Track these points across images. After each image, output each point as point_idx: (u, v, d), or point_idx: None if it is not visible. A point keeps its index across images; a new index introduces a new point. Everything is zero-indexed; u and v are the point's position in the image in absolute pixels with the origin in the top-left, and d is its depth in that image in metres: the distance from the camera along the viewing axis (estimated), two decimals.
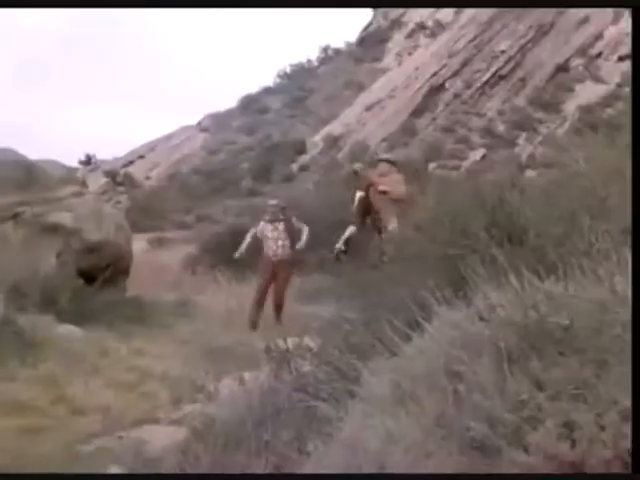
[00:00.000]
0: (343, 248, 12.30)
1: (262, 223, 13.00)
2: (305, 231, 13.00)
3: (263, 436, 4.25)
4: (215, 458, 4.38)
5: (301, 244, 12.89)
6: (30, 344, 8.55)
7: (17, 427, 6.14)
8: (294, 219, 13.19)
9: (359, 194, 12.02)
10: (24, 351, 8.29)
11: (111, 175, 42.61)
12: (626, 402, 2.27)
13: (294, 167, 41.31)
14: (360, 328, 4.81)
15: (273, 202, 13.62)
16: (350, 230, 12.33)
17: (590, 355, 2.48)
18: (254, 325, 12.18)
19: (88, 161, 48.25)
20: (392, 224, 11.22)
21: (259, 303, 12.65)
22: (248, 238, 12.96)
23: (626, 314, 2.56)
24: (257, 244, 13.06)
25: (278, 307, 12.85)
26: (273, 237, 12.83)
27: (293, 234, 12.94)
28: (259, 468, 3.89)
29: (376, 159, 13.81)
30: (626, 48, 33.31)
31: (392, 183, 11.87)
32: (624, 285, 2.74)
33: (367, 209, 12.01)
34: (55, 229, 11.53)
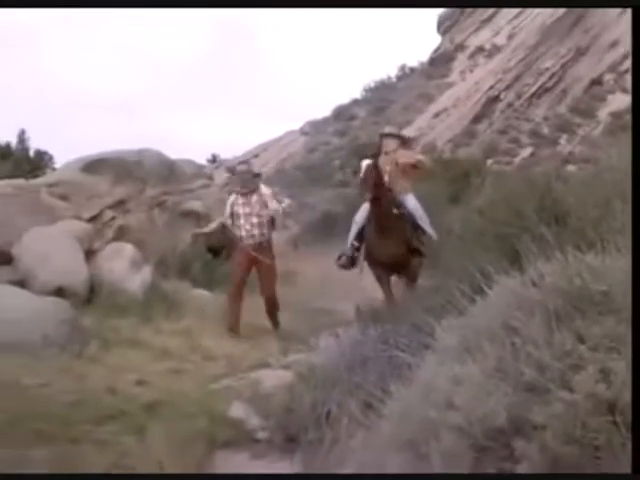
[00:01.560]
0: (356, 244, 7.86)
1: (233, 195, 8.38)
2: (287, 201, 8.84)
3: (354, 379, 4.28)
4: (315, 396, 4.44)
5: (287, 204, 8.65)
6: (172, 304, 8.79)
7: (165, 369, 6.30)
8: (270, 190, 8.53)
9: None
10: (168, 309, 8.53)
11: (232, 171, 43.08)
12: None
13: None
14: (433, 292, 4.80)
15: (242, 167, 8.71)
16: (362, 217, 7.76)
17: (624, 315, 2.44)
18: (234, 330, 8.09)
19: (214, 160, 48.83)
20: (408, 194, 7.84)
21: (235, 302, 8.24)
22: (215, 224, 9.16)
23: None
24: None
25: (271, 306, 8.42)
26: (245, 213, 8.22)
27: (268, 210, 8.29)
28: (352, 404, 3.93)
29: (380, 134, 8.27)
30: None
31: (409, 156, 8.05)
32: None
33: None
34: (189, 214, 11.77)
